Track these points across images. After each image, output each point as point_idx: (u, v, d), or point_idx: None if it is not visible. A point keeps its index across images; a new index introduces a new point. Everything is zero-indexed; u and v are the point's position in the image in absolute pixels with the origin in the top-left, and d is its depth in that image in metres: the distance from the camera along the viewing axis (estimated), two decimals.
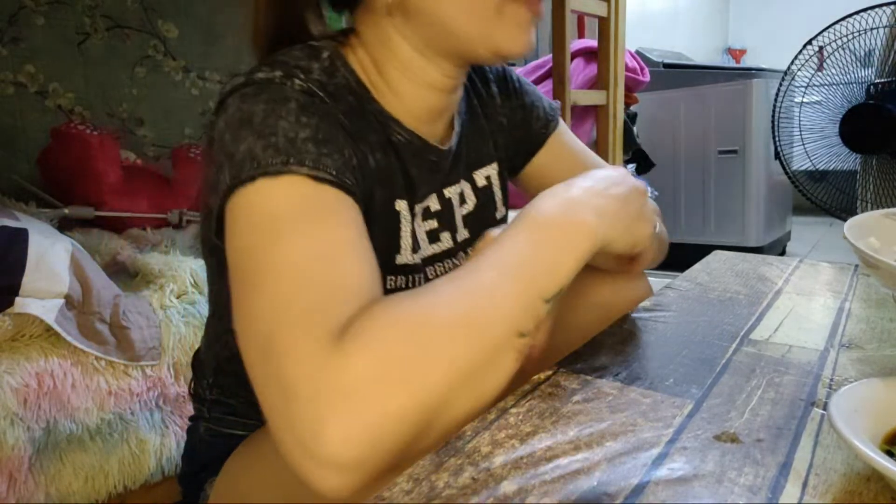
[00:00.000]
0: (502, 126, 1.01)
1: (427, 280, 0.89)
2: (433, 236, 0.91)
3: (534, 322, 0.59)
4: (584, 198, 0.68)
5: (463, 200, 0.95)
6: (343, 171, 0.67)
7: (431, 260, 0.90)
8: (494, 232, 0.68)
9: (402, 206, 0.84)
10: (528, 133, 1.04)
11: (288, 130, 0.66)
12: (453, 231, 0.93)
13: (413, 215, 0.87)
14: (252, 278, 0.59)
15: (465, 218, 0.95)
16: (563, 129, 1.07)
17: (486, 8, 0.73)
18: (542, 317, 0.60)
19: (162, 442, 1.48)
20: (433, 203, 0.91)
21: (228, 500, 0.88)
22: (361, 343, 0.52)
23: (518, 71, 3.15)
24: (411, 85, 0.82)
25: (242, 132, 0.66)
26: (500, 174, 1.01)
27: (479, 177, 0.98)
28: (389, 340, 0.53)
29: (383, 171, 0.81)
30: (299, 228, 0.61)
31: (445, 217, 0.92)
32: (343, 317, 0.55)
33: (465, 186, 0.96)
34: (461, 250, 0.94)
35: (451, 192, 0.93)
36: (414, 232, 0.86)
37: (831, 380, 0.59)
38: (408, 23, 0.78)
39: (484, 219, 0.98)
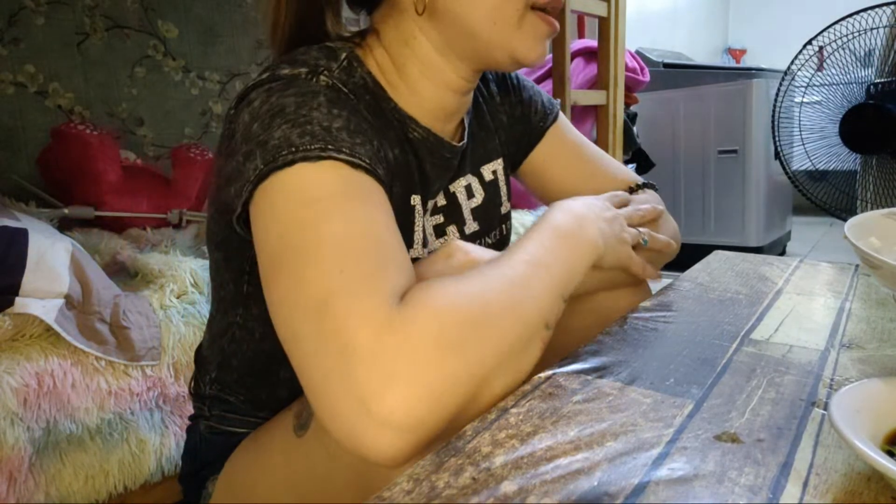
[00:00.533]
0: (503, 123, 1.04)
1: None
2: (440, 231, 0.93)
3: (556, 317, 0.65)
4: (591, 218, 0.78)
5: (471, 194, 0.98)
6: (374, 161, 0.69)
7: None
8: (458, 242, 0.75)
9: (417, 200, 0.87)
10: (528, 127, 1.06)
11: (322, 120, 0.67)
12: (461, 224, 0.96)
13: (425, 210, 0.90)
14: (299, 252, 0.60)
15: (475, 211, 0.98)
16: (563, 122, 1.09)
17: (509, 17, 0.77)
18: (560, 314, 0.67)
19: (162, 442, 1.48)
20: (440, 198, 0.93)
21: (233, 497, 0.89)
22: (425, 311, 0.55)
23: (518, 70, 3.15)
24: (430, 84, 0.85)
25: (275, 121, 0.67)
26: (505, 169, 1.04)
27: (487, 171, 1.01)
28: (452, 313, 0.55)
29: (401, 167, 0.83)
30: (344, 207, 0.62)
31: (451, 211, 0.95)
32: (398, 285, 0.58)
33: (472, 180, 0.98)
34: (471, 242, 0.94)
35: (455, 186, 0.96)
36: (424, 226, 0.88)
37: (832, 380, 0.59)
38: (433, 22, 0.81)
39: (490, 212, 1.01)
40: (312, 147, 0.64)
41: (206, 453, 0.97)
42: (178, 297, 1.64)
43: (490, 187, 1.00)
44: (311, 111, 0.68)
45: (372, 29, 0.87)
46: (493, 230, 1.01)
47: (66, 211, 1.97)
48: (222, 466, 0.93)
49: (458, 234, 0.95)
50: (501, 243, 1.04)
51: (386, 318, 0.53)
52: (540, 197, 1.12)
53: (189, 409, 1.16)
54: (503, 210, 1.03)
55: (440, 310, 0.55)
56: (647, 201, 0.97)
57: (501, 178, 1.03)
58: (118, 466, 1.40)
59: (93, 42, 2.37)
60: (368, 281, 0.56)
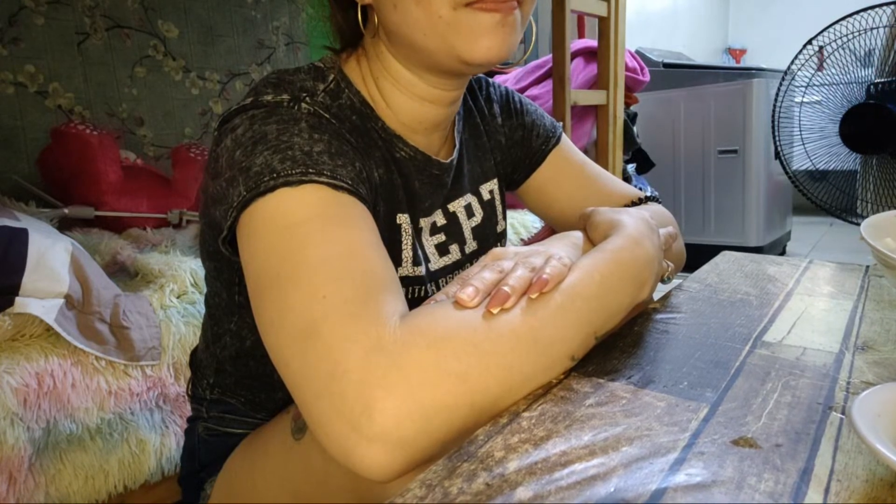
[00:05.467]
0: (500, 144, 1.05)
1: (437, 290, 0.90)
2: (442, 249, 0.94)
3: (584, 351, 0.63)
4: (653, 257, 0.73)
5: (471, 213, 0.99)
6: (356, 181, 0.69)
7: (443, 272, 0.93)
8: (498, 250, 0.70)
9: (403, 219, 0.87)
10: (528, 150, 1.06)
11: (303, 145, 0.68)
12: (462, 243, 0.97)
13: (419, 230, 0.90)
14: (283, 277, 0.60)
15: (474, 230, 0.99)
16: (565, 144, 1.09)
17: (437, 18, 0.73)
18: (589, 349, 0.64)
19: (162, 442, 1.48)
20: (439, 218, 0.94)
21: (231, 499, 0.90)
22: (423, 339, 0.54)
23: (518, 71, 3.15)
24: (403, 97, 0.85)
25: (257, 148, 0.68)
26: (500, 189, 1.05)
27: (485, 191, 1.02)
28: (453, 338, 0.54)
29: (385, 187, 0.84)
30: (325, 229, 0.62)
31: (452, 230, 0.95)
32: (383, 304, 0.57)
33: (472, 200, 0.99)
34: (469, 262, 0.97)
35: (455, 205, 0.96)
36: (415, 245, 0.88)
37: (848, 383, 0.58)
38: (389, 40, 0.81)
39: (488, 230, 1.01)
40: (294, 172, 0.65)
41: (204, 455, 0.97)
42: (178, 297, 1.64)
43: (488, 206, 1.01)
44: (293, 137, 0.68)
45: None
46: (491, 248, 1.01)
47: (66, 211, 1.96)
48: (220, 468, 0.94)
49: (459, 254, 0.96)
50: None
51: (376, 340, 0.53)
52: (542, 216, 1.13)
53: (189, 409, 1.17)
54: (499, 228, 1.05)
55: (439, 338, 0.54)
56: (664, 218, 0.96)
57: (497, 197, 1.04)
58: (118, 466, 1.40)
59: (93, 42, 2.37)
60: (353, 304, 0.56)
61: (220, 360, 0.94)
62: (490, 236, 1.01)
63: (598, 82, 2.84)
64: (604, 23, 2.75)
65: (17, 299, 1.32)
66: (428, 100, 0.85)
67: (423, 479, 0.45)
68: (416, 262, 0.87)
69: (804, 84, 3.47)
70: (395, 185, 0.85)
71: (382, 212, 0.83)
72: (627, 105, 3.15)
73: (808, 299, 0.83)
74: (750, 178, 3.82)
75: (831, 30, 3.32)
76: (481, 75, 1.05)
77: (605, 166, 2.77)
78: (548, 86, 2.82)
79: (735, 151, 3.83)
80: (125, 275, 1.83)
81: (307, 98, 0.75)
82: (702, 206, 4.01)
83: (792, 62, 3.46)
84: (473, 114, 1.02)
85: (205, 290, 0.96)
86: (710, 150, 3.93)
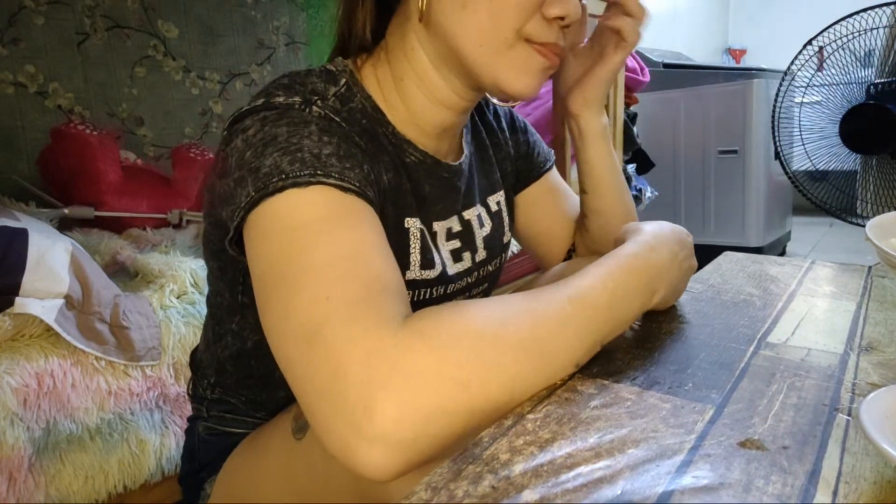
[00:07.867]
0: (509, 155, 1.07)
1: (447, 294, 0.92)
2: (457, 255, 0.94)
3: (588, 358, 0.63)
4: (668, 265, 0.72)
5: (482, 223, 0.99)
6: (364, 184, 0.70)
7: (457, 277, 0.94)
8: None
9: (411, 223, 0.86)
10: (530, 165, 1.10)
11: (312, 147, 0.68)
12: (474, 251, 0.97)
13: (434, 234, 0.91)
14: (289, 279, 0.60)
15: (485, 239, 0.99)
16: (556, 172, 1.14)
17: (497, 40, 0.76)
18: (593, 354, 0.65)
19: (162, 442, 1.47)
20: (454, 224, 0.94)
21: (232, 498, 0.90)
22: (425, 339, 0.54)
23: None
24: (425, 100, 0.85)
25: (267, 150, 0.68)
26: (507, 201, 1.06)
27: (492, 202, 1.03)
28: (455, 346, 0.54)
29: (394, 191, 0.84)
30: (331, 231, 0.63)
31: (466, 238, 0.96)
32: (387, 307, 0.57)
33: (481, 210, 1.00)
34: (478, 270, 0.98)
35: (469, 214, 0.97)
36: (424, 248, 0.88)
37: (853, 384, 0.58)
38: (429, 35, 0.81)
39: (496, 241, 1.02)
40: (302, 173, 0.65)
41: (204, 454, 0.98)
42: (178, 297, 1.64)
43: (496, 217, 1.02)
44: (302, 139, 0.69)
45: (383, 38, 0.87)
46: (496, 258, 1.03)
47: (66, 211, 1.95)
48: (220, 467, 0.94)
49: (471, 261, 0.96)
50: (498, 272, 1.06)
51: (377, 342, 0.53)
52: (522, 233, 1.15)
53: (189, 409, 1.16)
54: (505, 239, 1.05)
55: (442, 344, 0.54)
56: None
57: (504, 208, 1.05)
58: (118, 466, 1.39)
59: (93, 42, 2.36)
60: (356, 306, 0.56)
61: (221, 360, 0.94)
62: (497, 247, 1.02)
63: None
64: None
65: (17, 299, 1.31)
66: (445, 105, 0.86)
67: (428, 482, 0.45)
68: (423, 266, 0.87)
69: (804, 84, 3.47)
70: (403, 189, 0.85)
71: (390, 215, 0.83)
72: (627, 105, 3.15)
73: (811, 300, 0.83)
74: (750, 178, 3.82)
75: (831, 30, 3.32)
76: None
77: None
78: (548, 86, 2.82)
79: (735, 152, 3.83)
80: (125, 275, 1.83)
81: (318, 101, 0.75)
82: (702, 206, 4.01)
83: (792, 62, 3.46)
84: (479, 129, 1.03)
85: (205, 290, 0.96)
86: (710, 151, 3.93)
